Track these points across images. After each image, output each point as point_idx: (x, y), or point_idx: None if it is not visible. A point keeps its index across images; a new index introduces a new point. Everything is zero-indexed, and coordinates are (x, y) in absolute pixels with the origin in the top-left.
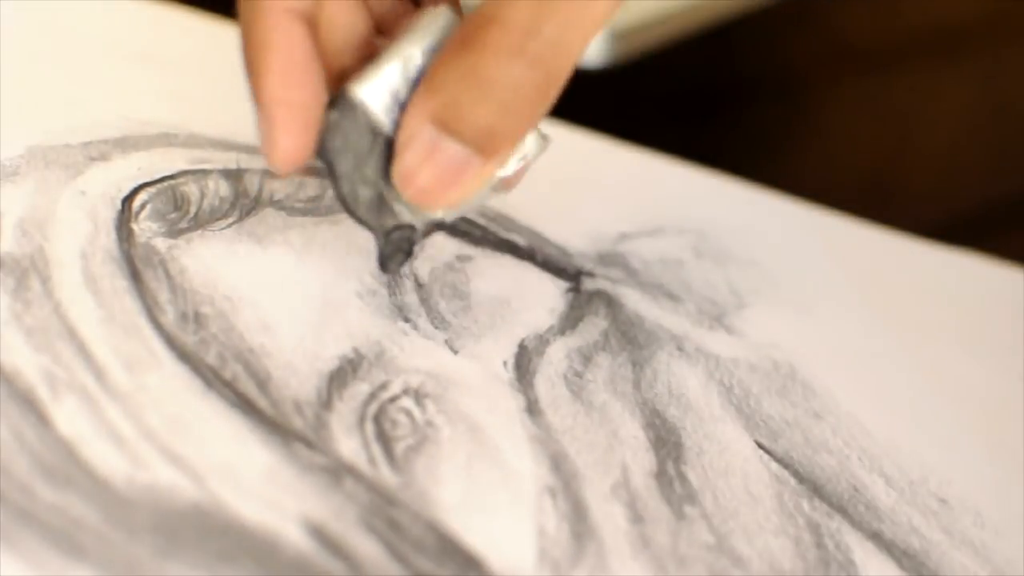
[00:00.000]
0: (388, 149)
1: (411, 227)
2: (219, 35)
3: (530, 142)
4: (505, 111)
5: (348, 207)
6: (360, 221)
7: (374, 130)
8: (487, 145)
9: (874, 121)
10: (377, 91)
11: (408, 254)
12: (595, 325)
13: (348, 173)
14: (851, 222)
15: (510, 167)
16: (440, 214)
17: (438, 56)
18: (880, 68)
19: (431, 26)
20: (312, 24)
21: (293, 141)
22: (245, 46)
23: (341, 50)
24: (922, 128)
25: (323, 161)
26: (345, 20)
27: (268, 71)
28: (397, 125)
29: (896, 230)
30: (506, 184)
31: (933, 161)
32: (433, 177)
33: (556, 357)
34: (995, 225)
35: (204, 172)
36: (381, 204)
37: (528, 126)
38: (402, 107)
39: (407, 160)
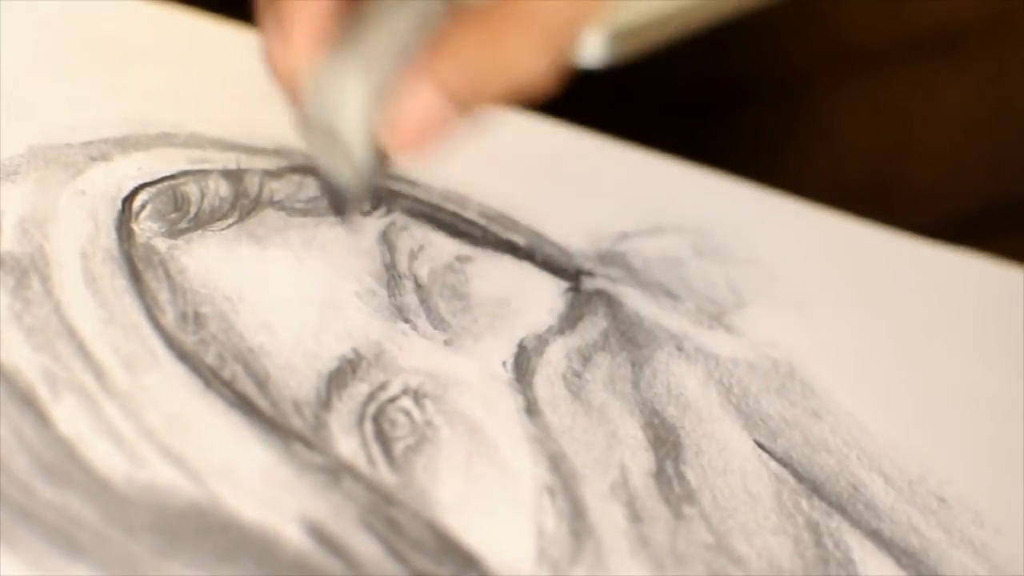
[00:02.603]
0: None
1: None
2: (219, 35)
3: None
4: (498, 73)
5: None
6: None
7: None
8: (469, 100)
9: (874, 121)
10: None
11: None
12: (594, 325)
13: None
14: (851, 221)
15: None
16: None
17: (454, 22)
18: (880, 68)
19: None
20: None
21: (310, 42)
22: None
23: None
24: (922, 128)
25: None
26: None
27: None
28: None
29: (896, 229)
30: None
31: (933, 161)
32: (411, 125)
33: (555, 357)
34: (995, 225)
35: (204, 172)
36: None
37: (513, 89)
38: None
39: (398, 108)
